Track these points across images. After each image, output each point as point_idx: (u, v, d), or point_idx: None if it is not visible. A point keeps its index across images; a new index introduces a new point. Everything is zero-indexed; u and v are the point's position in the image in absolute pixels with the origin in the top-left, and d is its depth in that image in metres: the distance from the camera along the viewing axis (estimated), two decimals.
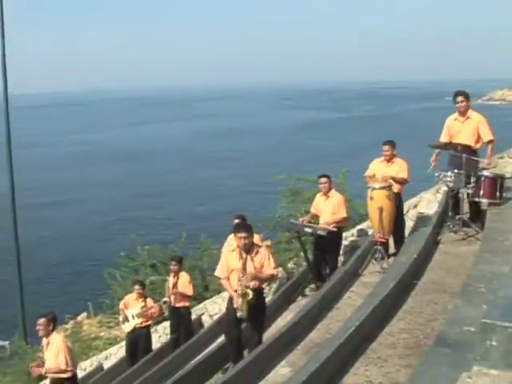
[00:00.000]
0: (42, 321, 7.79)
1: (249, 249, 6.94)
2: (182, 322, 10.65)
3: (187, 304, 10.73)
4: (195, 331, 10.84)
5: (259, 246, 7.13)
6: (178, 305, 10.58)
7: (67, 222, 38.57)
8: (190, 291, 10.57)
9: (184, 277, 10.60)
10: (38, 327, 7.88)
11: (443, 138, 8.92)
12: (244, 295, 6.78)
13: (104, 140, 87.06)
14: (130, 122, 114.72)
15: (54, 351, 7.71)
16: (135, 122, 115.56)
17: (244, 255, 6.92)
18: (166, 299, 10.69)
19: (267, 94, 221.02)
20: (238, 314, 6.81)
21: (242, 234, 6.86)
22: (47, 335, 7.83)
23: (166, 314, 11.50)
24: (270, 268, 7.01)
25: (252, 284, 6.77)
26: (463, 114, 8.65)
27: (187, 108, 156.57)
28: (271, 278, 7.36)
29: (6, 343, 17.88)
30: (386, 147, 9.06)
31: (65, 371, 7.71)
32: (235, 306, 6.88)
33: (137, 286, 10.90)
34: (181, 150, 71.74)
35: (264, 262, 6.96)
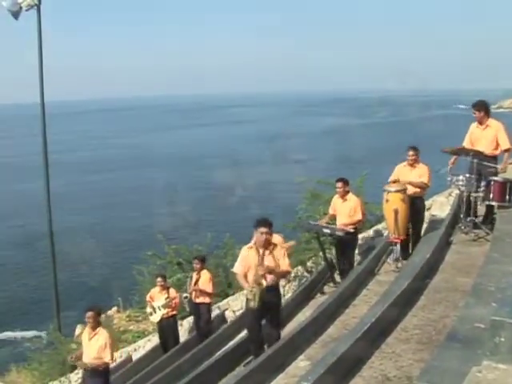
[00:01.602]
0: (90, 314, 7.89)
1: (267, 245, 6.93)
2: (201, 318, 10.74)
3: (207, 301, 10.78)
4: (215, 327, 10.94)
5: (275, 245, 7.10)
6: (197, 301, 10.67)
7: (98, 225, 38.86)
8: (209, 289, 10.65)
9: (205, 275, 10.68)
10: (86, 319, 8.00)
11: (465, 144, 8.98)
12: (259, 284, 6.79)
13: (130, 145, 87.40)
14: (153, 128, 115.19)
15: (101, 344, 7.80)
16: (160, 128, 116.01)
17: (261, 251, 6.92)
18: (186, 295, 10.78)
19: (287, 102, 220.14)
20: (251, 305, 6.73)
21: (264, 230, 6.85)
22: (94, 327, 7.94)
23: (188, 309, 11.60)
24: (285, 265, 6.99)
25: (269, 277, 6.75)
26: (481, 122, 8.72)
27: (210, 115, 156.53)
28: (286, 275, 7.32)
29: (43, 333, 18.18)
30: (411, 152, 8.99)
31: (105, 363, 7.84)
32: (248, 297, 6.82)
33: (159, 279, 11.05)
34: (205, 155, 71.68)
35: (280, 259, 6.95)
